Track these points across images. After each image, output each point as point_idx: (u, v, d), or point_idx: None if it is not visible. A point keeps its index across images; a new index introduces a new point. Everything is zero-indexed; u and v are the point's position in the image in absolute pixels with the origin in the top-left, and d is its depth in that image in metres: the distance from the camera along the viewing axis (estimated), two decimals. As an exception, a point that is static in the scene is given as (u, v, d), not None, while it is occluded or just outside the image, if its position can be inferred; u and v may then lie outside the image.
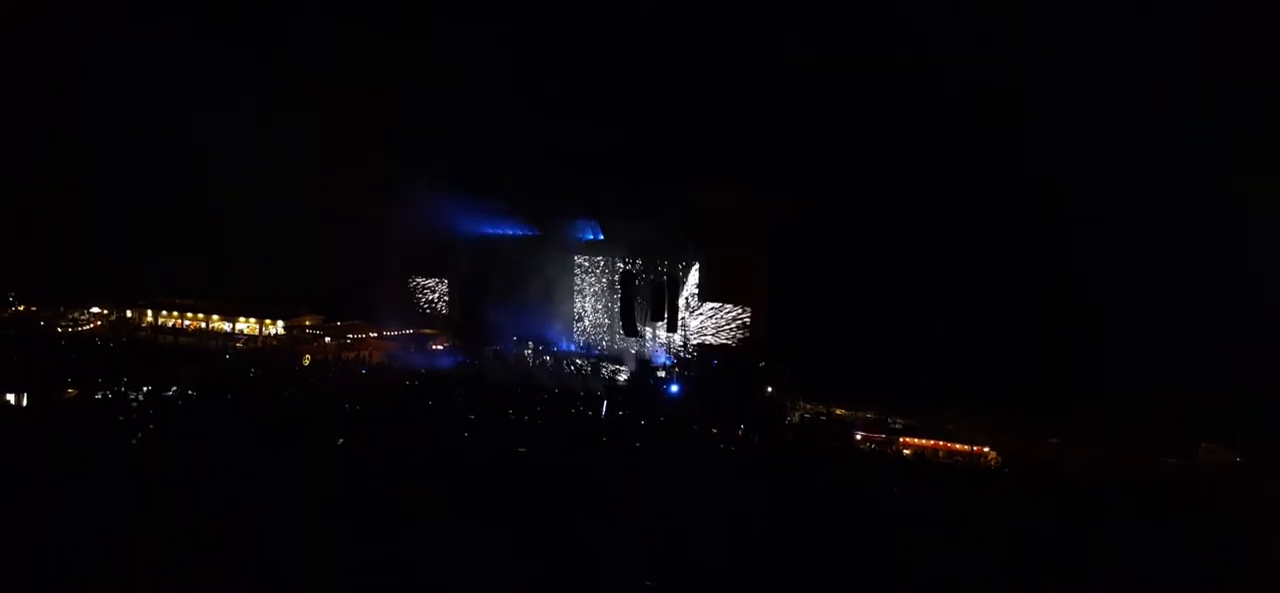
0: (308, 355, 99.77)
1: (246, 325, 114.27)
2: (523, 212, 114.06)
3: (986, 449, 70.18)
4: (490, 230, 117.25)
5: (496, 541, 37.36)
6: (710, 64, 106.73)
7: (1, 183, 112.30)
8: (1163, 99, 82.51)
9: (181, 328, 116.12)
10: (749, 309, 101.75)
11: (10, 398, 62.02)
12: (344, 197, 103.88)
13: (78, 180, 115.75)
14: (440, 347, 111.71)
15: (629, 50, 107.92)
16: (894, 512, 49.60)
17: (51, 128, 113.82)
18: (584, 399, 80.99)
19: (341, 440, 55.79)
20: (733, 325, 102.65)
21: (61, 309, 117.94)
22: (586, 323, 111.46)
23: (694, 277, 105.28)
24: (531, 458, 56.33)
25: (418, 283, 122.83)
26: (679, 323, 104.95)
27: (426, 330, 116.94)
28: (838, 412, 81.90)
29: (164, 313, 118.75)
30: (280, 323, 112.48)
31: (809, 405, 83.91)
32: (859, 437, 74.29)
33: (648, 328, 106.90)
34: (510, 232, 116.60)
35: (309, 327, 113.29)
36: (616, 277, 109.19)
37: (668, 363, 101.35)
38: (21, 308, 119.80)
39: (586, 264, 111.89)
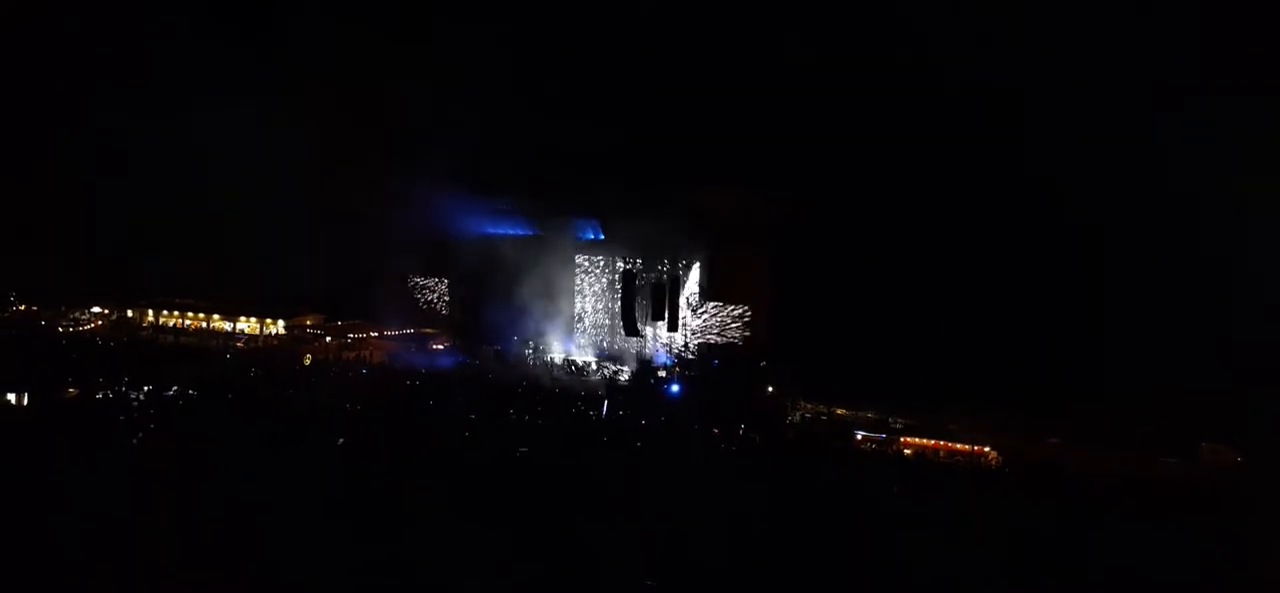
0: (309, 355, 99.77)
1: (247, 325, 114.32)
2: (523, 211, 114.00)
3: (987, 449, 70.19)
4: (491, 230, 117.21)
5: (497, 540, 37.38)
6: (711, 63, 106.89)
7: (2, 182, 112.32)
8: (1163, 98, 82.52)
9: (182, 328, 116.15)
10: (750, 309, 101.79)
11: (11, 398, 62.00)
12: (344, 196, 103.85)
13: (79, 180, 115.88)
14: (441, 346, 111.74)
15: (630, 50, 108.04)
16: (894, 512, 49.59)
17: (52, 127, 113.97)
18: (584, 399, 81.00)
19: (342, 440, 55.80)
20: (734, 325, 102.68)
21: (62, 309, 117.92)
22: (587, 323, 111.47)
23: (695, 276, 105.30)
24: (532, 458, 56.35)
25: (418, 283, 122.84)
26: (680, 323, 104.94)
27: (427, 330, 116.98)
28: (839, 411, 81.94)
29: (165, 313, 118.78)
30: (281, 323, 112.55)
31: (810, 405, 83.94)
32: (860, 437, 74.29)
33: (649, 328, 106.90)
34: (511, 231, 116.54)
35: (310, 326, 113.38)
36: (617, 276, 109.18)
37: (669, 363, 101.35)
38: (22, 307, 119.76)
39: (587, 264, 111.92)
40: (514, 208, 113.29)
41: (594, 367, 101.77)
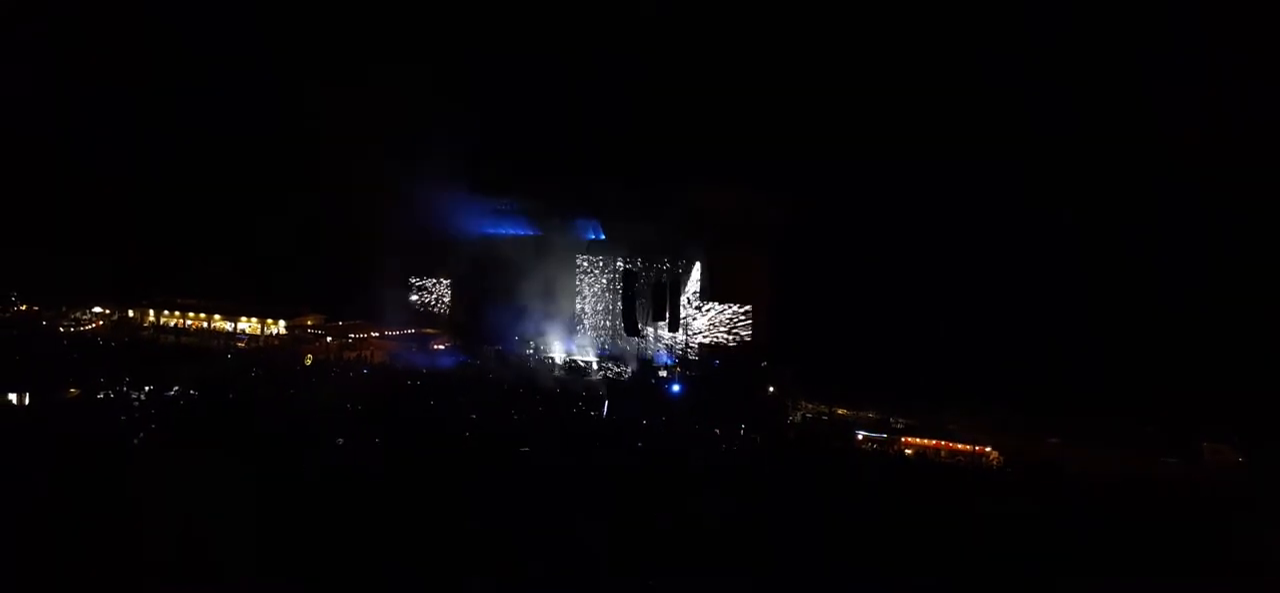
0: (309, 355, 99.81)
1: (248, 325, 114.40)
2: (524, 211, 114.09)
3: (988, 449, 70.17)
4: (491, 230, 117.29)
5: (497, 540, 37.41)
6: (712, 63, 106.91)
7: (3, 181, 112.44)
8: (1163, 97, 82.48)
9: (183, 328, 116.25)
10: (750, 309, 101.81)
11: (12, 398, 62.06)
12: (345, 196, 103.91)
13: (79, 179, 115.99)
14: (441, 346, 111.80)
15: (631, 49, 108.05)
16: (894, 512, 49.54)
17: (53, 127, 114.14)
18: (585, 399, 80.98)
19: (341, 440, 55.81)
20: (734, 325, 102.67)
21: (63, 309, 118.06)
22: (587, 323, 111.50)
23: (696, 276, 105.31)
24: (532, 458, 56.37)
25: (418, 283, 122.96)
26: (680, 322, 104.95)
27: (428, 330, 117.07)
28: (839, 411, 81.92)
29: (166, 313, 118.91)
30: (282, 322, 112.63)
31: (810, 405, 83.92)
32: (861, 437, 74.28)
33: (649, 328, 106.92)
34: (511, 231, 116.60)
35: (311, 326, 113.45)
36: (617, 275, 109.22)
37: (669, 363, 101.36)
38: (23, 307, 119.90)
39: (587, 264, 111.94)
40: (514, 208, 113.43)
41: (595, 366, 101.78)
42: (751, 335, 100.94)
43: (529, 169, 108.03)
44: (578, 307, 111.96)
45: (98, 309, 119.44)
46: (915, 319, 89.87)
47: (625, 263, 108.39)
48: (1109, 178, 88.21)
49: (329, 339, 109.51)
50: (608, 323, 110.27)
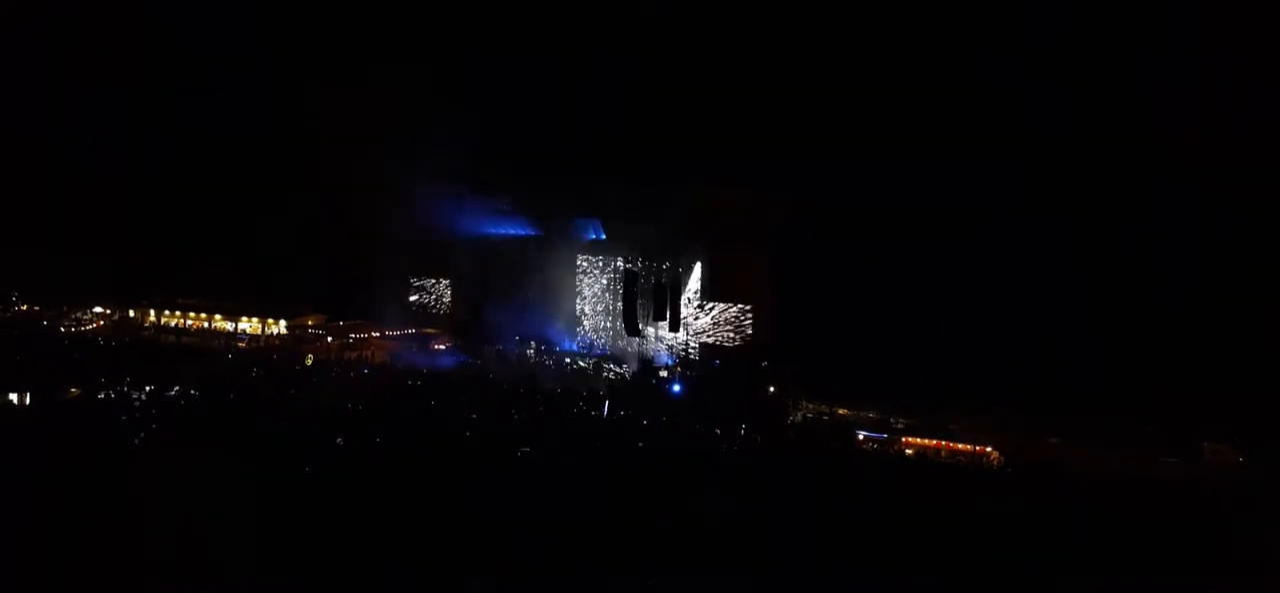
0: (310, 355, 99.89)
1: (249, 325, 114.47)
2: (524, 211, 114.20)
3: (989, 449, 70.19)
4: (492, 230, 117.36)
5: (497, 540, 37.41)
6: (713, 63, 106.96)
7: (4, 181, 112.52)
8: (1163, 97, 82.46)
9: (184, 328, 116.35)
10: (751, 309, 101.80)
11: (12, 397, 62.10)
12: (345, 196, 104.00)
13: (80, 179, 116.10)
14: (442, 346, 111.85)
15: (632, 49, 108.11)
16: (895, 512, 49.53)
17: (53, 127, 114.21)
18: (586, 399, 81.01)
19: (340, 440, 55.82)
20: (735, 325, 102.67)
21: (64, 309, 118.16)
22: (588, 323, 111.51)
23: (696, 276, 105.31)
24: (533, 457, 56.38)
25: (418, 283, 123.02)
26: (681, 322, 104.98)
27: (428, 330, 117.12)
28: (840, 411, 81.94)
29: (166, 313, 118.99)
30: (283, 323, 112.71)
31: (811, 405, 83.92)
32: (861, 437, 74.31)
33: (650, 328, 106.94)
34: (512, 231, 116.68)
35: (311, 326, 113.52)
36: (618, 275, 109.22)
37: (670, 363, 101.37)
38: (24, 307, 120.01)
39: (587, 264, 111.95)
40: (515, 208, 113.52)
41: (592, 370, 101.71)
42: (752, 335, 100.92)
43: (529, 169, 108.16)
44: (578, 306, 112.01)
45: (98, 309, 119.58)
46: (915, 319, 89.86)
47: (626, 263, 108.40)
48: (1109, 178, 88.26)
49: (329, 339, 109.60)
50: (608, 323, 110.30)
